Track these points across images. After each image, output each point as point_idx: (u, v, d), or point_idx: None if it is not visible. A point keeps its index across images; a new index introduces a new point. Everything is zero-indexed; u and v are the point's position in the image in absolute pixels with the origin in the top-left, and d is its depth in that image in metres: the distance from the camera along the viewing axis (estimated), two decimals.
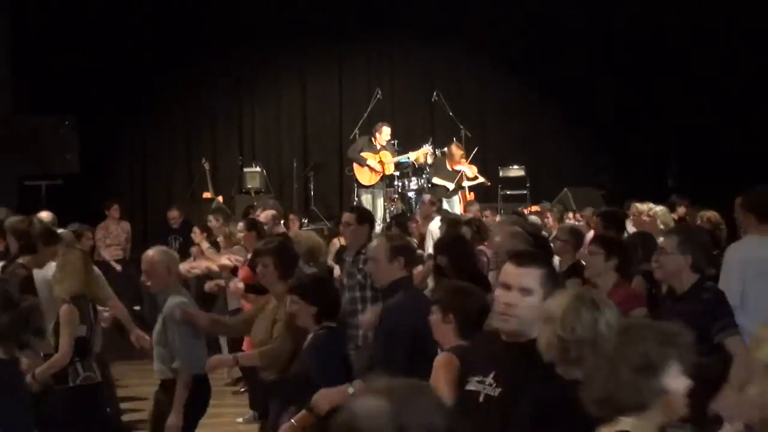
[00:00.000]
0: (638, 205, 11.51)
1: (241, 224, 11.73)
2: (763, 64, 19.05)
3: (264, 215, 12.35)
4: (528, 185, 19.28)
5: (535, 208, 17.17)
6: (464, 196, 17.85)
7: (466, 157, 18.03)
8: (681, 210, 13.98)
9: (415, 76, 21.36)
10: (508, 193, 19.16)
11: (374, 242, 7.19)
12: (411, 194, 18.08)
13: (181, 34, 20.11)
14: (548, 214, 14.69)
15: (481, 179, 18.01)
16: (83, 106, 18.90)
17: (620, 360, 3.29)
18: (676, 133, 19.99)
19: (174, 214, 16.67)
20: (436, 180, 17.65)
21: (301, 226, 16.76)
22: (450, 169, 17.63)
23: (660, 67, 19.99)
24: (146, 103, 20.40)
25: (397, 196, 18.16)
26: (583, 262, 8.06)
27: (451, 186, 17.43)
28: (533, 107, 21.20)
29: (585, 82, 20.36)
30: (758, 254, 6.90)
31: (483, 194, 18.68)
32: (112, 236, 16.48)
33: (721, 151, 19.10)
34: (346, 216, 8.68)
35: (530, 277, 4.20)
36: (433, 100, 19.67)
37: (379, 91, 19.54)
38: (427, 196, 14.39)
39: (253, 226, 11.11)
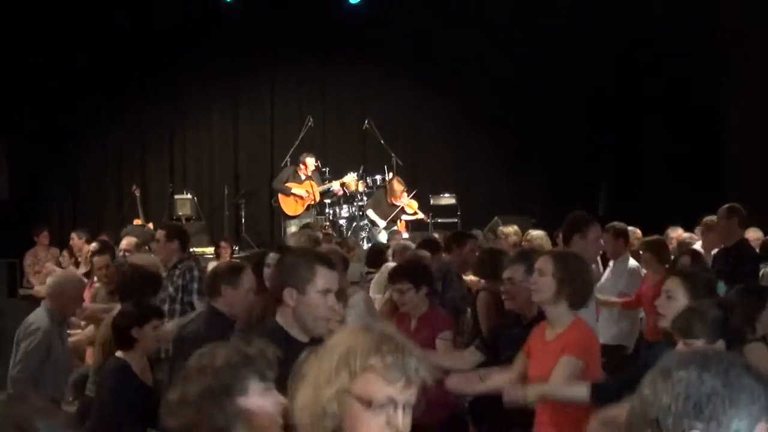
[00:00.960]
0: (503, 228, 12.01)
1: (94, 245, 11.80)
2: (692, 92, 19.45)
3: (125, 242, 12.23)
4: (459, 213, 19.39)
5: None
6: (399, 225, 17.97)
7: (408, 192, 18.19)
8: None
9: (347, 103, 21.43)
10: (439, 221, 19.25)
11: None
12: (342, 222, 18.19)
13: (113, 60, 19.96)
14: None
15: (420, 215, 18.17)
16: (12, 131, 18.71)
17: (192, 383, 3.06)
18: (607, 161, 20.21)
19: None
20: (370, 213, 17.80)
21: (232, 253, 16.77)
22: (389, 203, 17.79)
23: (591, 95, 20.23)
24: (77, 129, 20.18)
25: (328, 224, 18.24)
26: None
27: (382, 223, 17.60)
28: (465, 135, 21.31)
29: (516, 111, 20.52)
30: None
31: (413, 222, 18.79)
32: (41, 263, 16.33)
33: (651, 179, 19.42)
34: (158, 233, 9.45)
35: None
36: (364, 127, 19.73)
37: (311, 119, 19.59)
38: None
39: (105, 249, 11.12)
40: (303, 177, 17.93)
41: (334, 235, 18.01)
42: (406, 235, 16.89)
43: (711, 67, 19.61)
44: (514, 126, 20.63)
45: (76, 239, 13.41)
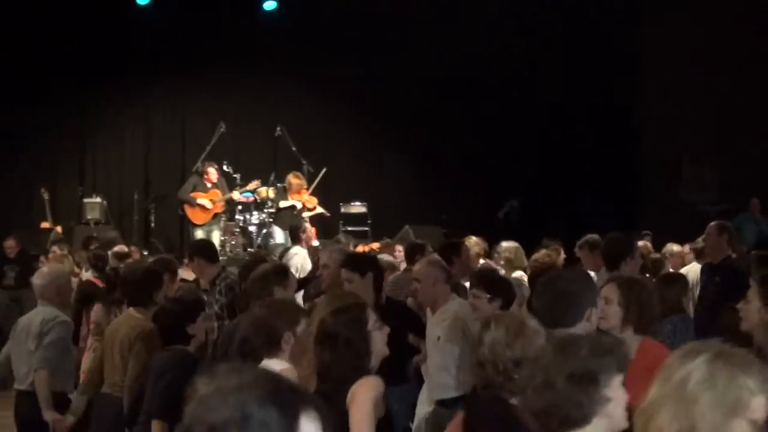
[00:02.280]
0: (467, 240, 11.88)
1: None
2: (608, 108, 19.92)
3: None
4: (369, 221, 19.51)
5: (375, 245, 17.37)
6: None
7: (307, 188, 18.25)
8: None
9: (260, 110, 21.42)
10: (349, 229, 19.34)
11: None
12: (252, 228, 18.23)
13: (25, 62, 19.77)
14: (398, 248, 14.84)
15: (320, 209, 18.23)
16: None
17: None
18: (518, 171, 20.46)
19: (10, 244, 16.34)
20: (282, 204, 17.91)
21: (141, 258, 16.68)
22: (289, 200, 17.87)
23: (503, 107, 20.49)
24: None
25: (238, 230, 18.27)
26: None
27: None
28: (377, 144, 21.48)
29: (428, 120, 20.74)
30: None
31: (324, 230, 18.86)
32: None
33: (563, 193, 19.79)
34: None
35: None
36: (276, 134, 19.74)
37: (223, 125, 19.53)
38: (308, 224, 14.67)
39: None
40: (209, 185, 17.98)
41: (243, 240, 18.15)
42: (316, 242, 16.91)
43: (629, 86, 20.19)
44: (426, 135, 20.85)
45: (58, 251, 13.26)
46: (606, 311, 5.50)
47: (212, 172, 18.06)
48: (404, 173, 21.36)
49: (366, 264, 7.82)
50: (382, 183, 21.21)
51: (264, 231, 18.33)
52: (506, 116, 20.40)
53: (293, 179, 18.00)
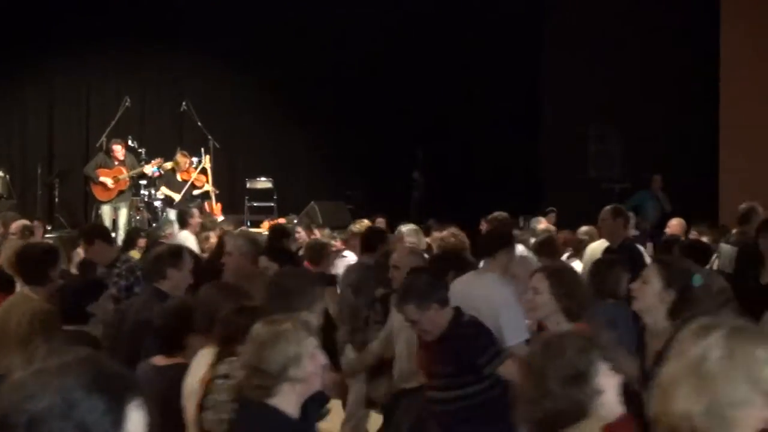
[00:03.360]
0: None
1: None
2: (510, 85, 20.15)
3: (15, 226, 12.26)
4: (275, 197, 19.56)
5: (282, 220, 17.45)
6: (210, 207, 17.99)
7: (194, 165, 18.23)
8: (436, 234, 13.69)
9: (165, 84, 21.31)
10: (255, 204, 19.39)
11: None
12: (157, 203, 18.18)
13: None
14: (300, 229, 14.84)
15: (209, 187, 18.23)
16: None
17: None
18: (424, 150, 20.63)
19: None
20: (163, 190, 17.86)
21: (45, 233, 16.55)
22: (179, 180, 17.85)
23: (405, 85, 20.64)
24: None
25: (143, 205, 18.21)
26: None
27: (177, 197, 17.64)
28: (283, 120, 21.46)
29: (334, 96, 20.81)
30: None
31: (229, 205, 18.90)
32: None
33: (466, 171, 20.02)
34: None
35: None
36: (182, 109, 19.68)
37: (128, 99, 19.41)
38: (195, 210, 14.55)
39: None
40: (115, 163, 17.87)
41: (148, 215, 18.09)
42: (221, 217, 16.96)
43: (532, 62, 20.42)
44: (332, 111, 20.90)
45: None
46: (536, 301, 5.59)
47: (118, 150, 17.92)
48: (310, 149, 21.42)
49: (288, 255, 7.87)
50: (288, 159, 21.24)
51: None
52: (408, 94, 20.51)
53: (180, 158, 17.99)
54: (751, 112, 18.53)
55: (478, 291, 6.45)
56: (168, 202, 17.82)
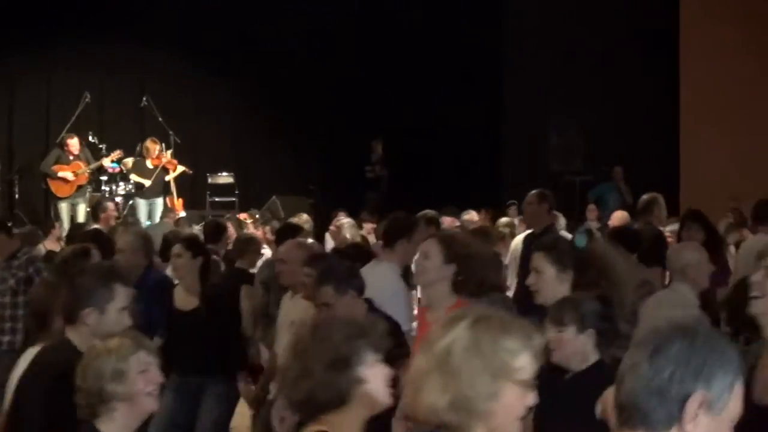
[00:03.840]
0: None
1: None
2: (472, 77, 20.17)
3: None
4: (237, 192, 19.51)
5: (243, 215, 17.41)
6: (172, 202, 17.93)
7: (164, 151, 18.18)
8: (368, 226, 13.31)
9: (125, 80, 21.14)
10: (216, 199, 19.35)
11: None
12: (119, 199, 18.10)
13: None
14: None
15: (182, 168, 18.19)
16: None
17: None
18: (385, 143, 20.62)
19: None
20: (133, 177, 17.80)
21: None
22: (151, 167, 17.79)
23: (367, 79, 20.59)
24: None
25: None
26: None
27: (147, 182, 17.58)
28: (244, 114, 21.42)
29: (296, 91, 20.75)
30: None
31: (191, 201, 18.82)
32: None
33: (427, 164, 20.02)
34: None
35: None
36: (142, 104, 19.60)
37: (88, 95, 19.30)
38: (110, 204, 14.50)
39: None
40: (71, 157, 17.74)
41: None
42: (183, 213, 16.93)
43: (493, 55, 20.47)
44: (294, 106, 20.84)
45: None
46: (424, 265, 5.52)
47: (73, 144, 17.80)
48: (272, 144, 21.38)
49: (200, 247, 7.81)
50: (250, 153, 21.19)
51: (130, 202, 18.21)
52: (370, 88, 20.48)
53: (150, 144, 17.96)
54: (712, 103, 18.63)
55: (371, 279, 6.39)
56: (139, 187, 17.77)
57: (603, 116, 19.60)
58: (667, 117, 19.49)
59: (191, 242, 7.78)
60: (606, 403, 4.09)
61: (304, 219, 11.31)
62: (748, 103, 18.46)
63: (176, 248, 7.54)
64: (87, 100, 19.20)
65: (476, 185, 18.96)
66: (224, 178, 19.77)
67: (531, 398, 2.78)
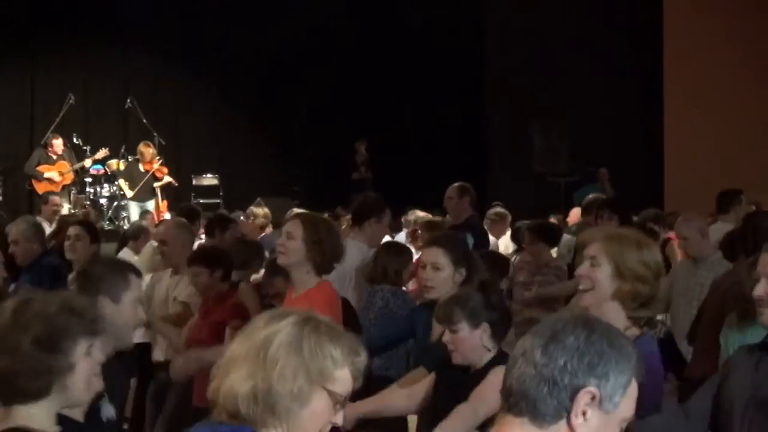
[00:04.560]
0: (254, 208, 12.02)
1: None
2: (455, 79, 20.17)
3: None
4: (221, 194, 19.47)
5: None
6: (157, 204, 17.89)
7: (158, 158, 18.14)
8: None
9: (109, 82, 21.10)
10: (201, 201, 19.28)
11: None
12: (103, 201, 18.05)
13: None
14: None
15: (168, 179, 18.14)
16: None
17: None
18: (368, 145, 20.61)
19: None
20: (121, 182, 17.76)
21: None
22: (143, 171, 17.75)
23: (350, 81, 20.63)
24: None
25: (89, 203, 18.04)
26: None
27: (130, 193, 17.54)
28: (228, 116, 21.40)
29: (279, 92, 20.75)
30: None
31: (176, 202, 18.74)
32: None
33: (411, 166, 20.02)
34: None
35: None
36: (127, 106, 19.56)
37: (72, 96, 19.25)
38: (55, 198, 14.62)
39: None
40: (54, 158, 17.69)
41: (95, 212, 17.92)
42: (168, 215, 16.85)
43: (476, 56, 20.48)
44: (278, 107, 20.85)
45: None
46: (287, 246, 5.46)
47: (57, 144, 17.77)
48: (256, 145, 21.39)
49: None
50: (234, 155, 21.17)
51: (115, 204, 18.15)
52: (353, 90, 20.53)
53: (144, 148, 17.89)
54: (696, 105, 18.69)
55: None
56: (121, 196, 17.75)
57: (587, 117, 19.62)
58: (651, 117, 19.53)
59: (89, 226, 8.02)
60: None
61: (262, 213, 11.58)
62: (732, 103, 18.52)
63: (74, 229, 7.76)
64: (71, 102, 19.14)
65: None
66: (209, 179, 19.75)
67: (338, 417, 2.65)
